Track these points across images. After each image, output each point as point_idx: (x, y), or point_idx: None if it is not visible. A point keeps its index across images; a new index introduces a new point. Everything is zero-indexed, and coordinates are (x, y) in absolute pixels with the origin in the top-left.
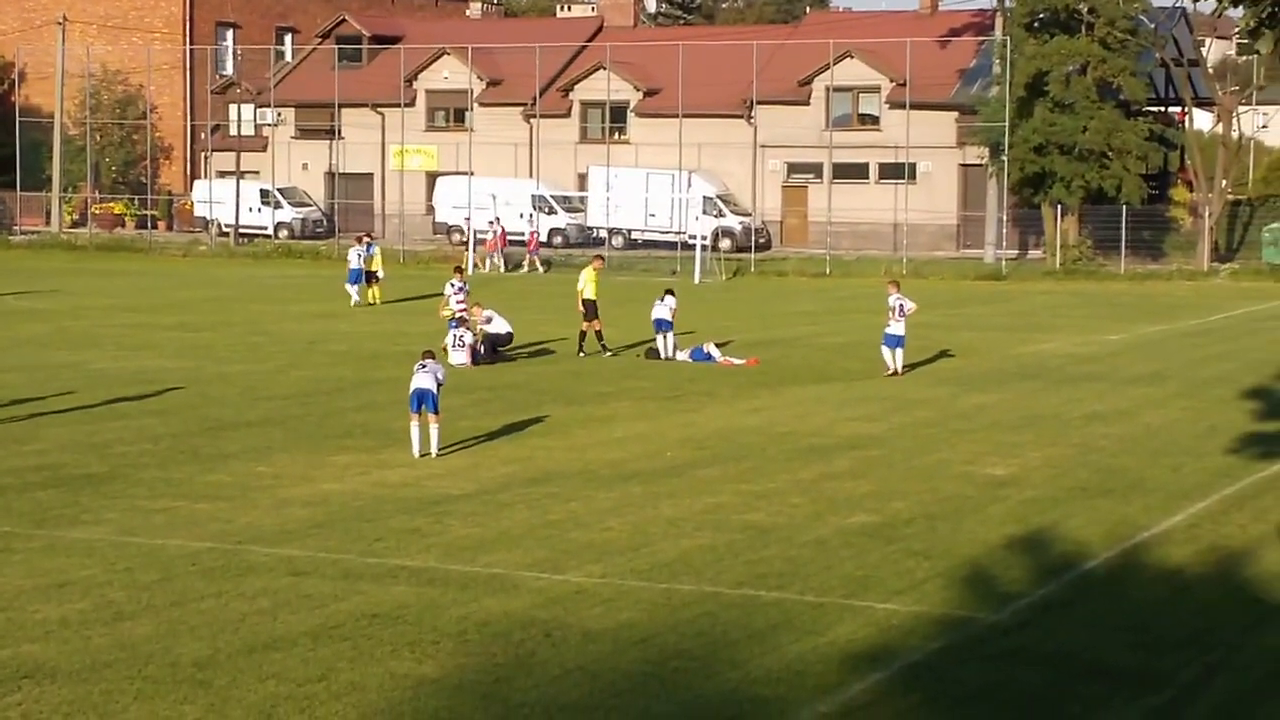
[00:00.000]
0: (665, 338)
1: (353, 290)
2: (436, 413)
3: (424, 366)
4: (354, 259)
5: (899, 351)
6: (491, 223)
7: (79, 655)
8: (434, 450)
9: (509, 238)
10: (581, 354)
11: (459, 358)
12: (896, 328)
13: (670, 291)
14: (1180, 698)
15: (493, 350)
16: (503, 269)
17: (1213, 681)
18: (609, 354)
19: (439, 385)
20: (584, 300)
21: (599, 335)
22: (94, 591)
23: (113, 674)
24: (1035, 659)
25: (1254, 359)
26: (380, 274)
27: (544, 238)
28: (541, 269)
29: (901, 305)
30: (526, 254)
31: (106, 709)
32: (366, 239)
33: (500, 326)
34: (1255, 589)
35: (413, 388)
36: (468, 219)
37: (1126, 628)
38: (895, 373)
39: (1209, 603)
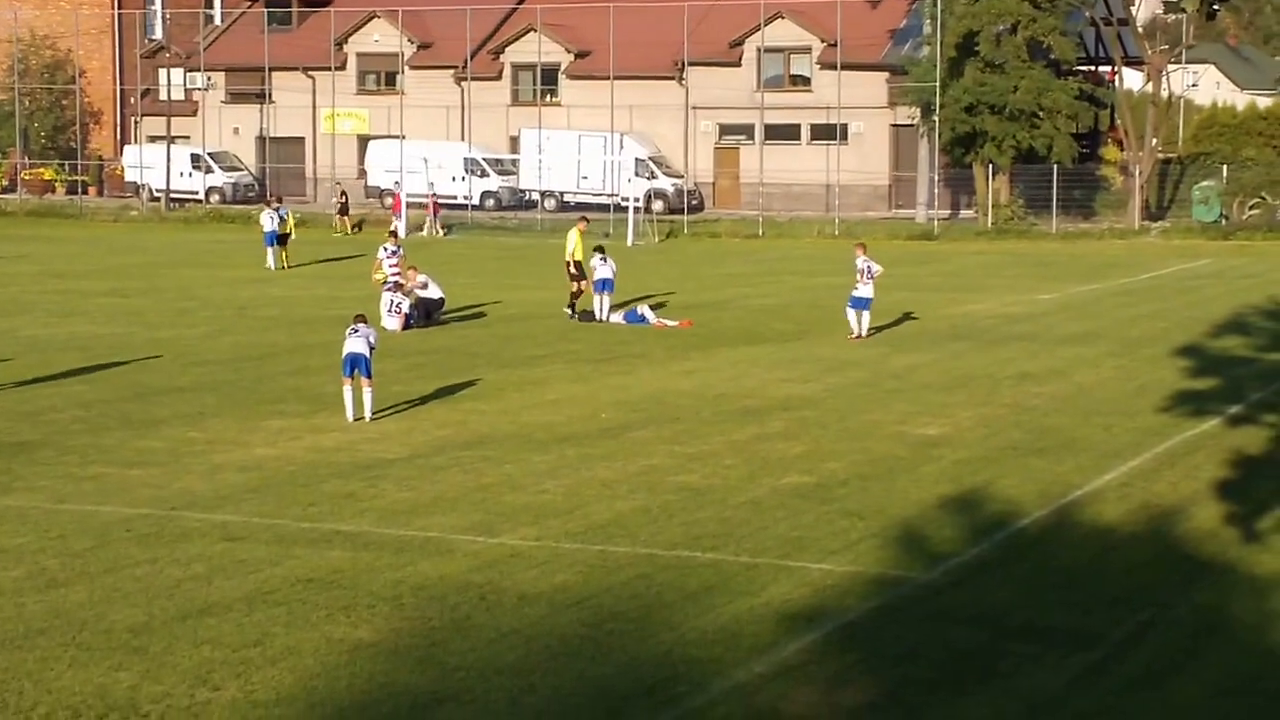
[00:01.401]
0: (604, 299)
1: (271, 254)
2: (369, 377)
3: (356, 331)
4: (267, 222)
5: (865, 314)
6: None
7: (12, 622)
8: (368, 414)
9: (439, 202)
10: (574, 317)
11: (392, 323)
12: (864, 290)
13: (601, 250)
14: (1112, 655)
15: (425, 316)
16: (440, 234)
17: (1144, 639)
18: (573, 318)
19: (371, 349)
20: (574, 262)
21: (574, 297)
22: (27, 559)
23: (47, 641)
24: (968, 618)
25: (1185, 317)
26: (292, 236)
27: (476, 201)
28: (441, 232)
29: (869, 268)
30: (427, 218)
31: (41, 676)
32: (276, 203)
33: (434, 292)
34: (1186, 547)
35: (345, 352)
36: (398, 184)
37: (1059, 586)
38: (859, 336)
39: (1140, 561)
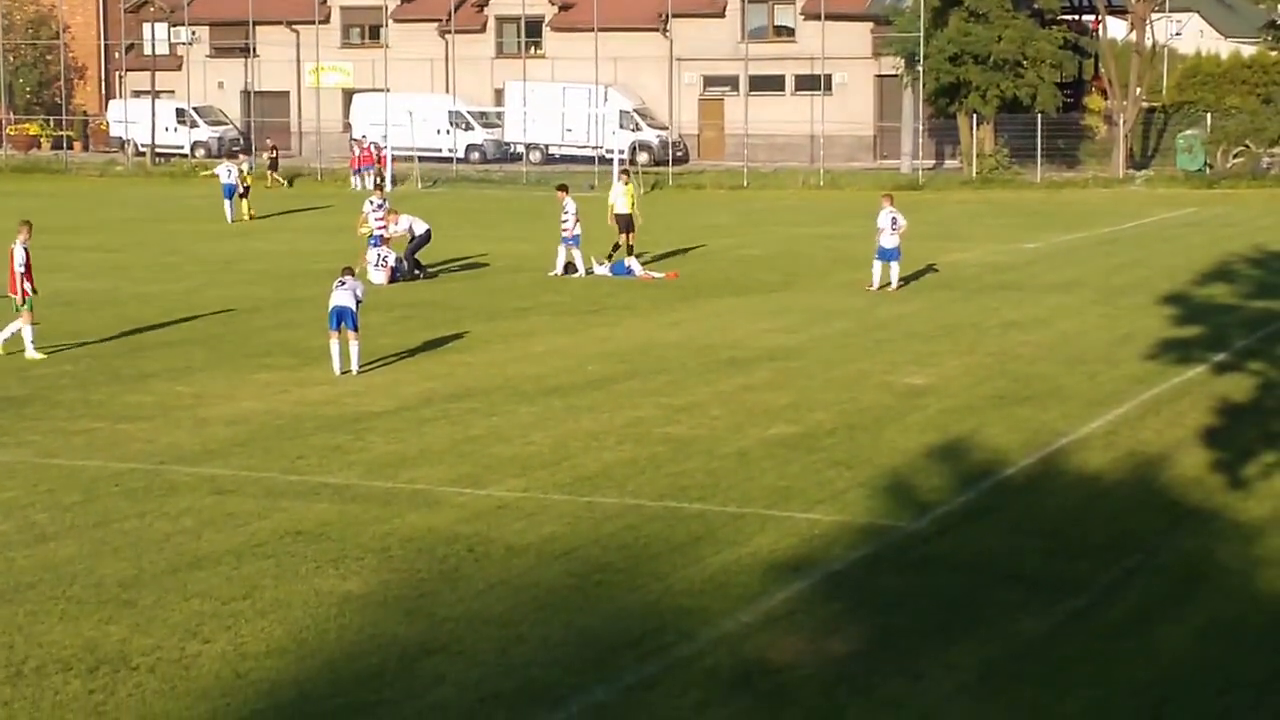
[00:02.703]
0: (574, 252)
1: (228, 207)
2: (356, 330)
3: (343, 284)
4: (224, 175)
5: (894, 265)
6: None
7: (2, 576)
8: (354, 367)
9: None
10: (602, 264)
11: (378, 277)
12: (890, 240)
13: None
14: (1098, 601)
15: (414, 258)
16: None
17: (1130, 585)
18: (601, 267)
19: (358, 302)
20: (616, 215)
21: (626, 248)
22: (16, 513)
23: (36, 595)
24: (955, 566)
25: (1168, 265)
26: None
27: (461, 154)
28: (384, 186)
29: (895, 219)
30: (357, 171)
31: (31, 630)
32: (243, 156)
33: (420, 227)
34: (1172, 493)
35: (331, 305)
36: (364, 137)
37: (1045, 533)
38: (886, 285)
39: (1126, 508)
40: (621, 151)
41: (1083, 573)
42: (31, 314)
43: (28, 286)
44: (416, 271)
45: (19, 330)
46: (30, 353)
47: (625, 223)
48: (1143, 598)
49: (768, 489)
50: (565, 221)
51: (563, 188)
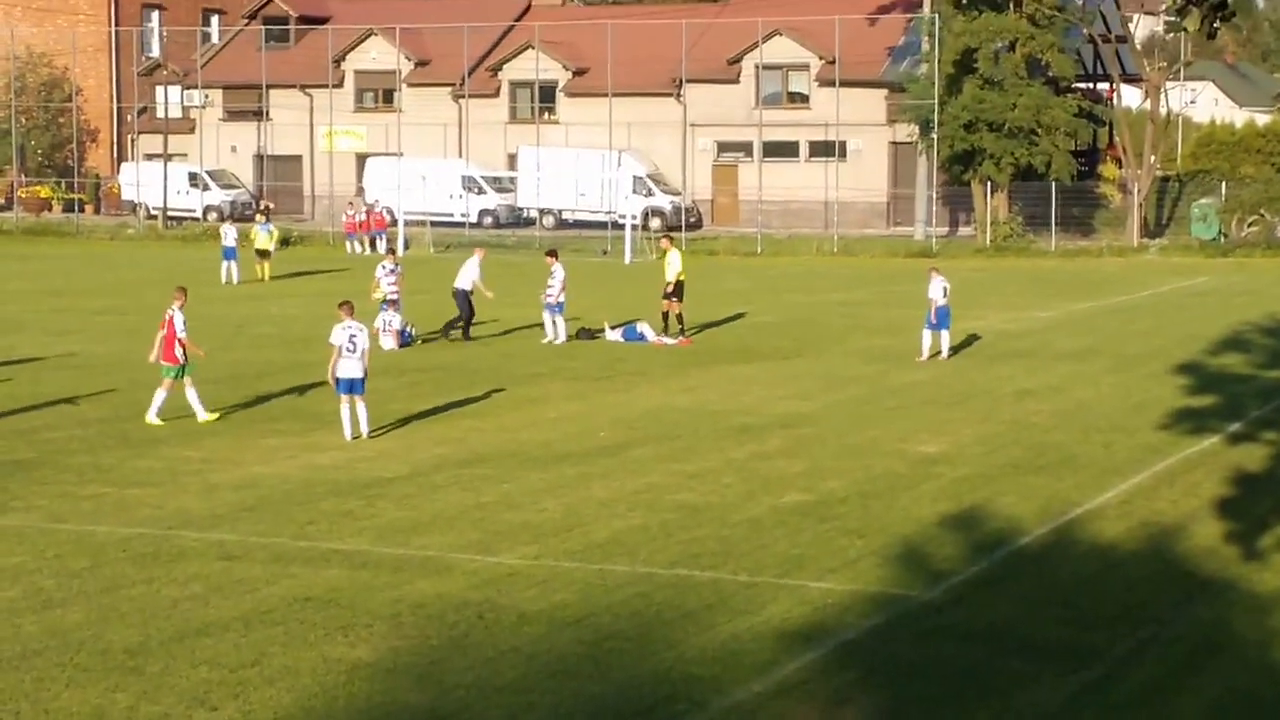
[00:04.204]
0: (557, 320)
1: (224, 269)
2: (362, 394)
3: (352, 346)
4: (227, 237)
5: (945, 334)
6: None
7: (9, 643)
8: (364, 431)
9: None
10: (682, 335)
11: (388, 342)
12: (942, 309)
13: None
14: (1112, 673)
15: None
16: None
17: (1144, 656)
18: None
19: (364, 363)
20: (675, 282)
21: (676, 317)
22: (24, 578)
23: (43, 661)
24: (968, 635)
25: (1183, 334)
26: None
27: (474, 219)
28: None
29: (946, 288)
30: (363, 236)
31: (38, 697)
32: (263, 216)
33: (463, 282)
34: (1186, 564)
35: (340, 375)
36: (376, 201)
37: (1058, 603)
38: (936, 354)
39: (1140, 578)
40: (635, 217)
41: (1097, 643)
42: (181, 381)
43: (180, 353)
44: (453, 332)
45: (164, 399)
46: (202, 415)
47: (678, 290)
48: (1157, 669)
49: (780, 557)
50: (551, 287)
51: (551, 253)
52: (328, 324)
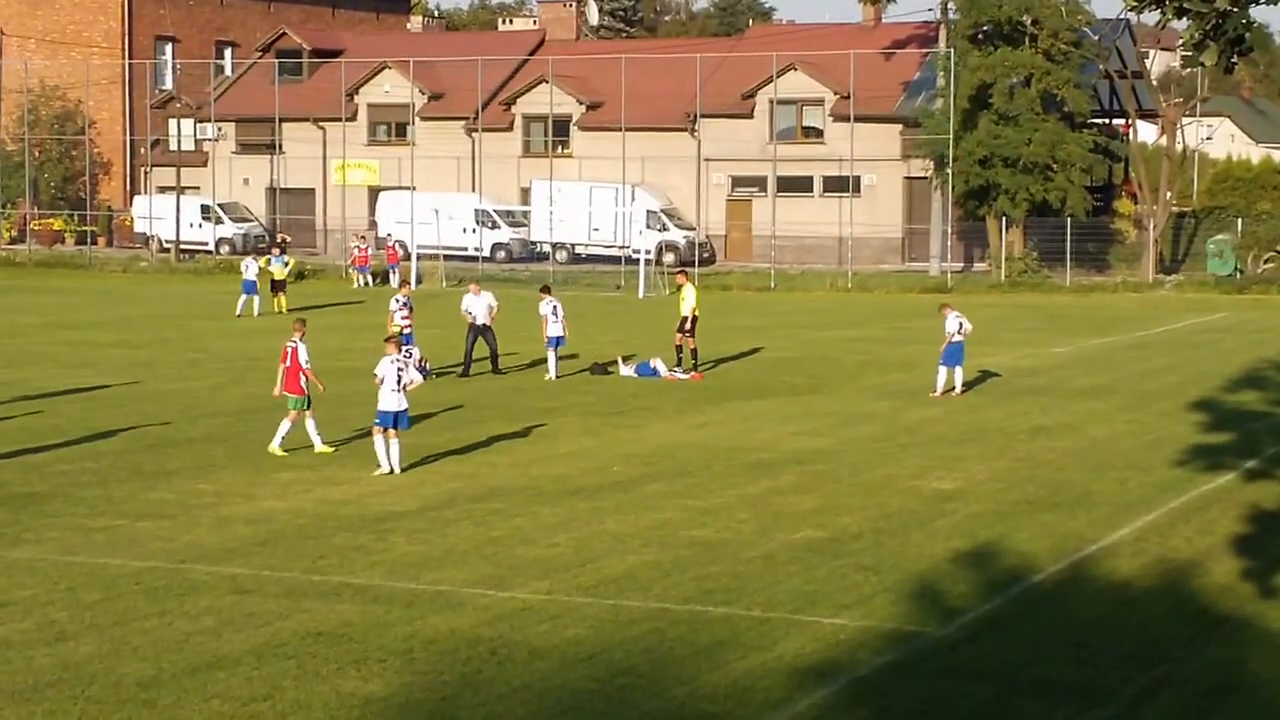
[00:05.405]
0: (553, 355)
1: (241, 302)
2: (405, 429)
3: (398, 384)
4: (248, 269)
5: (959, 370)
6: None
7: (22, 675)
8: (397, 467)
9: (446, 253)
10: (695, 368)
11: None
12: (957, 344)
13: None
14: (1125, 713)
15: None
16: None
17: (1158, 695)
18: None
19: (403, 397)
20: (693, 318)
21: (691, 352)
22: (36, 611)
23: (56, 694)
24: (981, 673)
25: (1198, 371)
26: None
27: (487, 253)
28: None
29: (962, 323)
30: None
31: None
32: (278, 249)
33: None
34: (1201, 602)
35: (387, 407)
36: (389, 235)
37: (1072, 642)
38: (950, 390)
39: (1155, 616)
40: (648, 251)
41: (1110, 682)
42: (304, 412)
43: (303, 384)
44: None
45: (289, 431)
46: (319, 446)
47: (692, 325)
48: (1172, 708)
49: (794, 593)
50: (552, 325)
51: (546, 289)
52: (340, 357)
